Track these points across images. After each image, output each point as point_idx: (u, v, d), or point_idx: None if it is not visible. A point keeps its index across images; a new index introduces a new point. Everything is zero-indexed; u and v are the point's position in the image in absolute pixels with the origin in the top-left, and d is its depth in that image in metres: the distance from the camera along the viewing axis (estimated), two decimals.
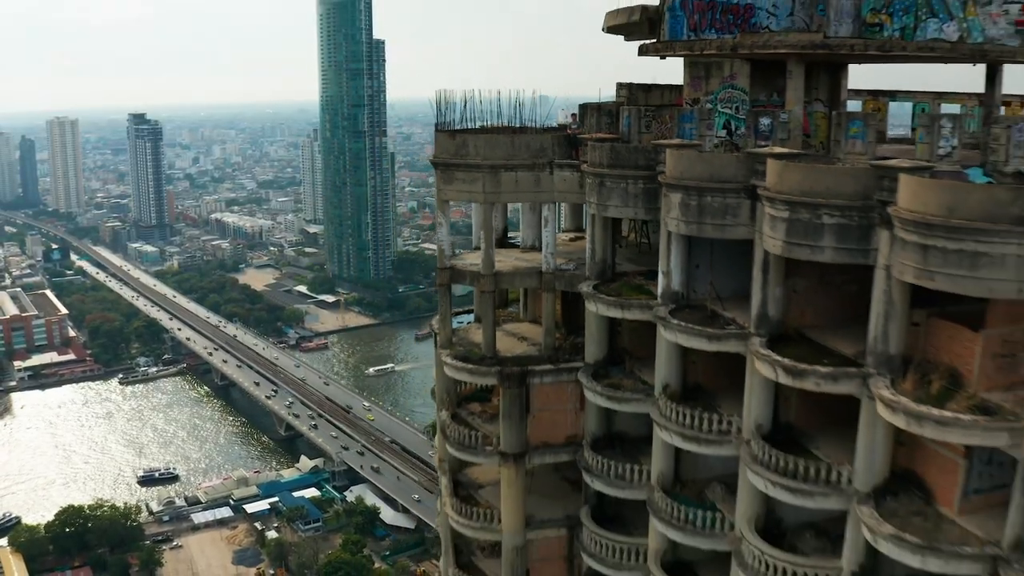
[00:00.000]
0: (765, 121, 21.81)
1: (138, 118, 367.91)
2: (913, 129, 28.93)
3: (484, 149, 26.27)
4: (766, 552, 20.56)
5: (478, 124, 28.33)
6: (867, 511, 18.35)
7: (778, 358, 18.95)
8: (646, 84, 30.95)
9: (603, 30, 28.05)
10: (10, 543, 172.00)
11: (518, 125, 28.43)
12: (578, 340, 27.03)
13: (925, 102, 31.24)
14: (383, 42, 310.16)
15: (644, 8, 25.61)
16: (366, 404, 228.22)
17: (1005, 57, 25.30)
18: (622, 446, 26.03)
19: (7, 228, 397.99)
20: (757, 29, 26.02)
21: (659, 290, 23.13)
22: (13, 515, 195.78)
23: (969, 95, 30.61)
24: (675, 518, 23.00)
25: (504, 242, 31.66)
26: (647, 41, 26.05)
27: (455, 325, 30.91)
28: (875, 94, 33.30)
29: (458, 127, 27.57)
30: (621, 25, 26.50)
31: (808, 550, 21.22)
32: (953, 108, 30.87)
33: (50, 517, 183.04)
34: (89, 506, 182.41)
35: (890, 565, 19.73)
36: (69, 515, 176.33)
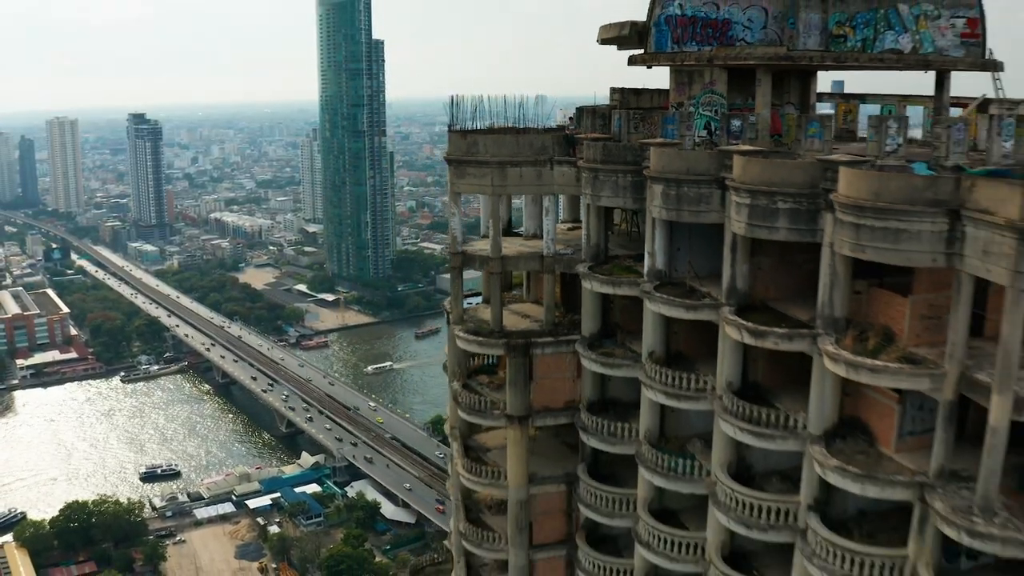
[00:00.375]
0: (736, 123, 25.45)
1: (138, 118, 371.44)
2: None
3: (492, 147, 29.95)
4: (737, 490, 24.24)
5: (486, 125, 31.93)
6: (818, 450, 22.03)
7: (743, 322, 22.62)
8: (636, 89, 34.64)
9: (597, 42, 31.72)
10: (15, 538, 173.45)
11: (522, 126, 32.12)
12: (575, 317, 30.68)
13: (892, 104, 34.62)
14: (382, 42, 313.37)
15: (633, 23, 29.26)
16: (372, 404, 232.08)
17: (948, 66, 28.97)
18: (614, 409, 29.67)
19: (7, 228, 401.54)
20: (733, 42, 29.73)
21: (645, 269, 26.80)
22: (18, 511, 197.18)
23: (930, 98, 34.11)
24: (660, 467, 26.66)
25: (508, 232, 35.27)
26: (636, 52, 29.71)
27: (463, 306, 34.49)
28: (847, 97, 36.96)
29: (469, 128, 31.17)
30: (613, 38, 30.17)
31: (773, 491, 24.88)
32: (917, 109, 34.52)
33: (55, 513, 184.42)
34: (93, 502, 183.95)
35: (842, 500, 23.40)
36: (73, 511, 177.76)
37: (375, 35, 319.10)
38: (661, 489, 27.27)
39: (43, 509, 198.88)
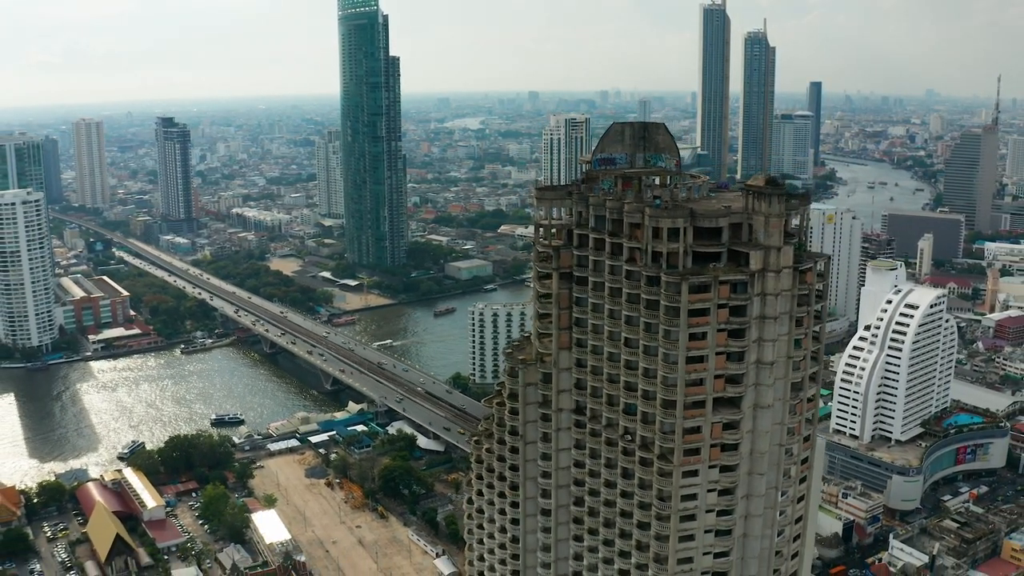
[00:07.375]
0: (611, 188, 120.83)
1: (167, 121, 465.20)
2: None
3: (548, 193, 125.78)
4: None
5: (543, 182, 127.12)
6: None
7: (609, 238, 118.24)
8: (590, 172, 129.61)
9: (580, 163, 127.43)
10: (129, 464, 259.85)
11: (556, 184, 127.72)
12: (571, 239, 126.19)
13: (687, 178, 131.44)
14: (398, 59, 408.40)
15: (587, 161, 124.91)
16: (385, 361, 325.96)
17: (671, 174, 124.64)
18: (585, 262, 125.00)
19: None
20: (616, 165, 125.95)
21: (588, 224, 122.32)
22: (139, 442, 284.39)
23: (691, 175, 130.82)
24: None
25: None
26: (589, 167, 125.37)
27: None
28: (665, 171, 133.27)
29: (541, 185, 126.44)
30: (584, 163, 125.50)
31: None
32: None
33: (160, 445, 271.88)
34: (192, 436, 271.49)
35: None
36: (177, 443, 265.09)
37: (389, 51, 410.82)
38: None
39: (150, 442, 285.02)
